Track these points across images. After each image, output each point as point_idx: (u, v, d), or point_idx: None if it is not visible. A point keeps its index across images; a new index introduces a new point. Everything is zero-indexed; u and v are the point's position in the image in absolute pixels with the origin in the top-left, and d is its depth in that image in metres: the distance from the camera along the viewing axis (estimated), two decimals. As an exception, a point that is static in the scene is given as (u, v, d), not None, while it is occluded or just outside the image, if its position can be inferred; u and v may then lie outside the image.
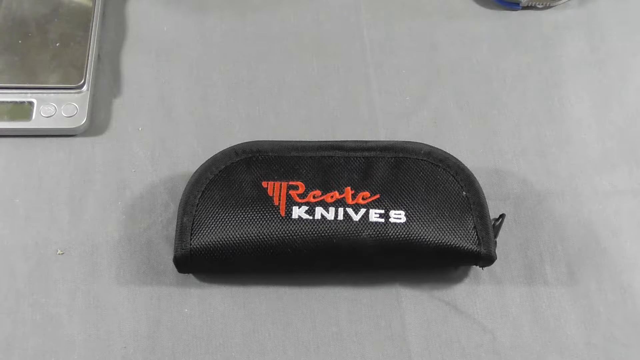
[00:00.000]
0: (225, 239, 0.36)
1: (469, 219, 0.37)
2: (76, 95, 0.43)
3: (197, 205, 0.37)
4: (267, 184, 0.38)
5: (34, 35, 0.44)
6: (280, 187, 0.37)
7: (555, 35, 0.48)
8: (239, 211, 0.37)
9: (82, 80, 0.43)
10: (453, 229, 0.36)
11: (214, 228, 0.36)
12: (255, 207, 0.37)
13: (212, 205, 0.37)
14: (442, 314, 0.38)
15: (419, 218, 0.37)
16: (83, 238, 0.40)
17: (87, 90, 0.43)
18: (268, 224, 0.36)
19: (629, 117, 0.45)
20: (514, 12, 0.49)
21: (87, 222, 0.40)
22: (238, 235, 0.36)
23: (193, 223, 0.37)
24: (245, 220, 0.36)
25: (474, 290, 0.39)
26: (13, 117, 0.42)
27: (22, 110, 0.42)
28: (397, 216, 0.37)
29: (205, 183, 0.38)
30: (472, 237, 0.36)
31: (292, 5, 0.48)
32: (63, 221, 0.40)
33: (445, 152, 0.39)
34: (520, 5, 0.48)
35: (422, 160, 0.39)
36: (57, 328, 0.37)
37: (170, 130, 0.43)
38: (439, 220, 0.37)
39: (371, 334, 0.38)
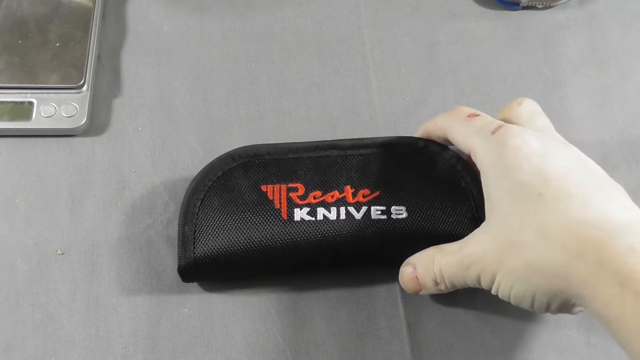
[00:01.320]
0: (229, 246, 0.36)
1: (469, 210, 0.37)
2: (76, 95, 0.43)
3: (198, 213, 0.37)
4: (267, 187, 0.37)
5: (34, 35, 0.44)
6: (280, 189, 0.37)
7: (555, 35, 0.48)
8: (240, 216, 0.37)
9: (82, 80, 0.43)
10: (455, 221, 0.36)
11: (216, 235, 0.36)
12: (256, 212, 0.37)
13: (213, 212, 0.37)
14: (442, 314, 0.38)
15: (420, 212, 0.37)
16: (83, 238, 0.40)
17: (87, 90, 0.43)
18: (271, 227, 0.36)
19: (629, 117, 0.45)
20: (514, 12, 0.49)
21: (87, 222, 0.40)
22: (242, 241, 0.36)
23: (195, 231, 0.37)
24: (247, 225, 0.36)
25: (475, 289, 0.39)
26: (13, 117, 0.42)
27: (22, 110, 0.42)
28: (399, 212, 0.37)
29: (204, 190, 0.38)
30: (473, 227, 0.36)
31: (292, 5, 0.48)
32: (63, 221, 0.40)
33: (442, 145, 0.39)
34: (520, 5, 0.48)
35: (419, 154, 0.38)
36: (57, 328, 0.37)
37: (170, 130, 0.43)
38: (440, 213, 0.37)
39: (371, 334, 0.38)
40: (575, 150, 0.34)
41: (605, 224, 0.29)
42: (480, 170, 0.34)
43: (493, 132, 0.34)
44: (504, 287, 0.32)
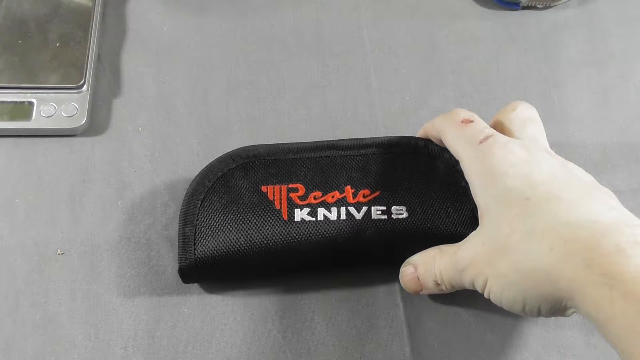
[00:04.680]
0: (230, 246, 0.36)
1: (469, 209, 0.37)
2: (76, 95, 0.43)
3: (198, 214, 0.37)
4: (267, 188, 0.37)
5: (34, 35, 0.44)
6: (280, 190, 0.37)
7: (555, 35, 0.48)
8: (241, 217, 0.37)
9: (82, 80, 0.43)
10: (455, 220, 0.36)
11: (217, 236, 0.36)
12: (257, 212, 0.37)
13: (213, 213, 0.37)
14: (442, 314, 0.38)
15: (420, 212, 0.37)
16: (83, 238, 0.40)
17: (87, 90, 0.43)
18: (272, 228, 0.36)
19: (629, 117, 0.45)
20: (514, 12, 0.49)
21: (87, 222, 0.40)
22: (242, 242, 0.36)
23: (195, 233, 0.36)
24: (248, 226, 0.36)
25: (474, 290, 0.39)
26: (13, 117, 0.42)
27: (22, 110, 0.42)
28: (399, 211, 0.37)
29: (203, 192, 0.38)
30: (473, 227, 0.36)
31: (292, 5, 0.48)
32: (63, 221, 0.40)
33: (441, 145, 0.39)
34: (520, 5, 0.48)
35: (419, 153, 0.39)
36: (57, 328, 0.37)
37: (170, 131, 0.43)
38: (440, 213, 0.37)
39: (371, 334, 0.38)
40: (561, 159, 0.34)
41: (592, 225, 0.29)
42: (467, 178, 0.35)
43: (481, 142, 0.34)
44: (495, 291, 0.32)
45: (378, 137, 0.39)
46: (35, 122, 0.42)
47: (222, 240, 0.36)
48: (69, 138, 0.43)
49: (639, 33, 0.48)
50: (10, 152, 0.42)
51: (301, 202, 0.37)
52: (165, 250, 0.39)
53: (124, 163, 0.42)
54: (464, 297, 0.38)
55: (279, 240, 0.36)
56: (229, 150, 0.39)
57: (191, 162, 0.42)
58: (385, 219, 0.36)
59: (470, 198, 0.35)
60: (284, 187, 0.37)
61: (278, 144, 0.39)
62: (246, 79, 0.45)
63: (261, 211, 0.37)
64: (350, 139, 0.39)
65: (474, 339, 0.38)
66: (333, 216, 0.37)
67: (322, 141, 0.39)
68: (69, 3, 0.46)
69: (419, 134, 0.40)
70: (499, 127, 0.36)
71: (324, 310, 0.38)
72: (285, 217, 0.36)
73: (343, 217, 0.36)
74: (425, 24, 0.48)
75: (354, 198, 0.37)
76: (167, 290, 0.39)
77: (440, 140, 0.37)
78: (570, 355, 0.38)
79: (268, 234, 0.36)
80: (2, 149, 0.42)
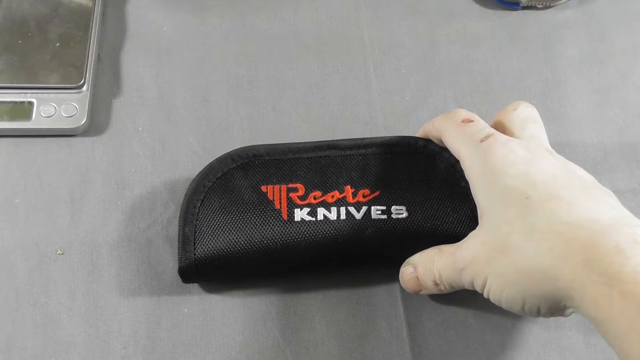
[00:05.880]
0: (230, 246, 0.36)
1: (469, 209, 0.37)
2: (76, 95, 0.43)
3: (198, 214, 0.37)
4: (267, 188, 0.37)
5: (34, 35, 0.44)
6: (280, 190, 0.37)
7: (555, 35, 0.48)
8: (241, 217, 0.37)
9: (82, 80, 0.43)
10: (454, 220, 0.36)
11: (217, 236, 0.36)
12: (256, 212, 0.37)
13: (213, 213, 0.37)
14: (442, 314, 0.38)
15: (420, 211, 0.37)
16: (83, 238, 0.40)
17: (87, 90, 0.43)
18: (271, 228, 0.36)
19: (629, 117, 0.45)
20: (514, 12, 0.49)
21: (87, 222, 0.40)
22: (242, 242, 0.36)
23: (195, 232, 0.36)
24: (248, 226, 0.36)
25: (474, 290, 0.39)
26: (13, 117, 0.42)
27: (22, 110, 0.42)
28: (399, 211, 0.37)
29: (203, 192, 0.38)
30: (473, 226, 0.36)
31: (292, 5, 0.48)
32: (63, 221, 0.40)
33: (441, 145, 0.39)
34: (520, 5, 0.48)
35: (418, 153, 0.39)
36: (57, 328, 0.37)
37: (170, 130, 0.43)
38: (440, 212, 0.37)
39: (371, 334, 0.38)
40: (562, 158, 0.34)
41: (592, 224, 0.29)
42: (467, 178, 0.35)
43: (481, 141, 0.34)
44: (495, 290, 0.32)
45: (378, 137, 0.39)
46: (35, 122, 0.42)
47: (222, 240, 0.36)
48: (69, 138, 0.43)
49: (639, 33, 0.48)
50: (10, 152, 0.42)
51: (301, 202, 0.37)
52: (165, 250, 0.39)
53: (124, 163, 0.42)
54: (464, 297, 0.38)
55: (279, 240, 0.36)
56: (229, 150, 0.39)
57: (191, 162, 0.42)
58: (385, 218, 0.36)
59: (470, 198, 0.35)
60: (283, 187, 0.37)
61: (278, 144, 0.39)
62: (246, 79, 0.45)
63: (261, 211, 0.37)
64: (350, 139, 0.39)
65: (474, 339, 0.38)
66: (333, 216, 0.37)
67: (322, 141, 0.39)
68: (69, 3, 0.46)
69: (419, 134, 0.40)
70: (500, 127, 0.36)
71: (324, 310, 0.38)
72: (285, 217, 0.36)
73: (343, 217, 0.36)
74: (425, 24, 0.48)
75: (353, 198, 0.37)
76: (167, 290, 0.39)
77: (440, 140, 0.37)
78: (570, 355, 0.38)
79: (268, 233, 0.36)
80: (2, 149, 0.42)
